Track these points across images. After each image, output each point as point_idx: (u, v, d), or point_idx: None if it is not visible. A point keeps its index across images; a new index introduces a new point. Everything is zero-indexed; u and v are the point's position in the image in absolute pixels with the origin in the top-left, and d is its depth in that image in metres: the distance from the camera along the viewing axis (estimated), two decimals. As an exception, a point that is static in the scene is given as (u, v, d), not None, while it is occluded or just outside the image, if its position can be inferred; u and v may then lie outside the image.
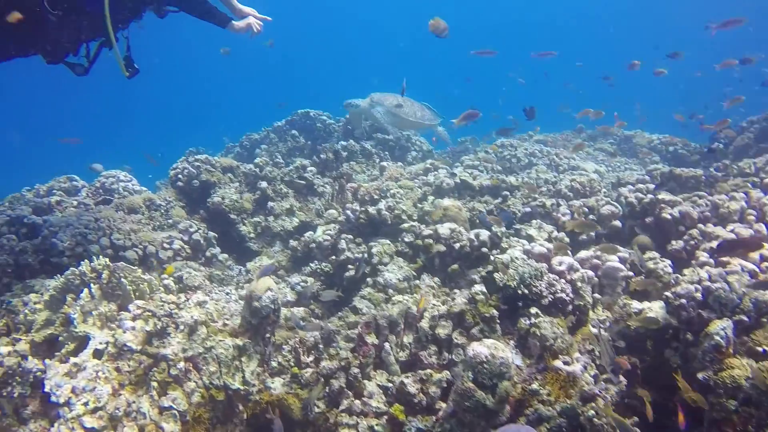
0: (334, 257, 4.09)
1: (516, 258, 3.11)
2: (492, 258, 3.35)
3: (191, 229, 4.46)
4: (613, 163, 7.36)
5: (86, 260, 3.17)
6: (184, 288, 3.48)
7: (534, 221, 3.81)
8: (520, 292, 2.91)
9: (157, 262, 4.13)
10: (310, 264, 4.23)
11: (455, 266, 3.67)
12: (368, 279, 3.72)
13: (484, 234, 3.66)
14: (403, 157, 7.46)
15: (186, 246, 4.34)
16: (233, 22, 4.28)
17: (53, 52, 3.80)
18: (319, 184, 5.14)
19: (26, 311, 3.22)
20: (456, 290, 3.50)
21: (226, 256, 4.54)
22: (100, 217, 4.33)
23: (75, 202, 5.34)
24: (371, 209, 4.15)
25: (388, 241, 3.93)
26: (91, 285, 3.07)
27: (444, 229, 3.86)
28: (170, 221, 4.58)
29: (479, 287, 2.97)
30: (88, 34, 3.84)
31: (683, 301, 2.88)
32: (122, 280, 3.11)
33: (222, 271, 4.30)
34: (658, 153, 8.14)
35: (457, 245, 3.71)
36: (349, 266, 3.93)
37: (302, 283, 4.02)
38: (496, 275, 3.00)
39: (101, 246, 3.96)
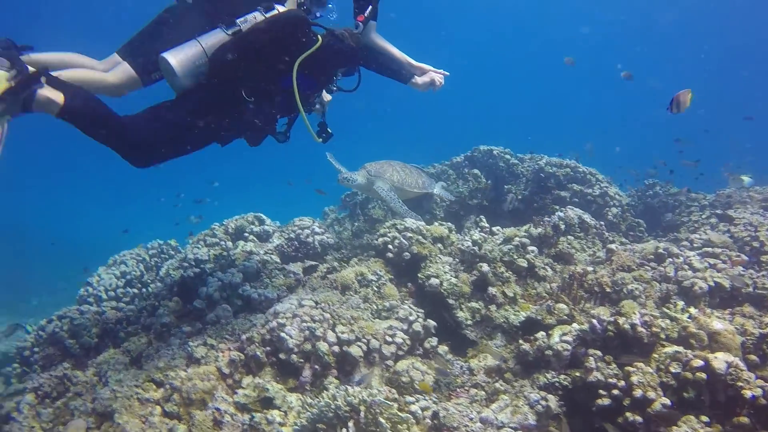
0: (578, 375, 3.64)
1: None
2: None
3: (411, 317, 4.19)
4: None
5: (343, 393, 2.95)
6: (439, 426, 3.16)
7: None
8: None
9: (379, 357, 3.90)
10: (546, 374, 3.80)
11: (744, 419, 3.09)
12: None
13: (790, 389, 3.04)
14: (601, 214, 6.85)
15: (406, 337, 4.07)
16: (416, 78, 4.57)
17: (254, 136, 4.21)
18: (539, 266, 4.69)
19: (271, 432, 3.06)
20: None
21: (446, 348, 4.22)
22: (319, 301, 4.16)
23: (280, 266, 5.29)
24: (623, 322, 3.65)
25: (650, 370, 3.41)
26: (350, 424, 2.84)
27: (719, 362, 3.29)
28: (387, 304, 4.34)
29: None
30: (283, 111, 4.17)
31: None
32: (380, 419, 2.85)
33: (444, 367, 3.98)
34: None
35: (747, 393, 3.14)
36: (601, 391, 3.46)
37: (542, 402, 3.61)
38: None
39: (329, 342, 3.76)
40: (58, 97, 3.13)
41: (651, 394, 3.27)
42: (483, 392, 3.84)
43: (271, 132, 4.27)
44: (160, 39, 3.86)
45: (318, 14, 4.37)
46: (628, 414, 3.28)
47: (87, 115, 3.31)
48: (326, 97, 4.56)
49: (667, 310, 3.96)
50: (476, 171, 7.84)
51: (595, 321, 3.78)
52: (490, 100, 47.50)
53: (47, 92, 3.09)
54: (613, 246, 4.91)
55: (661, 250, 4.75)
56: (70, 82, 3.34)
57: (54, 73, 3.25)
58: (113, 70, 3.82)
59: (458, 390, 3.86)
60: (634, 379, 3.35)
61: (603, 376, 3.48)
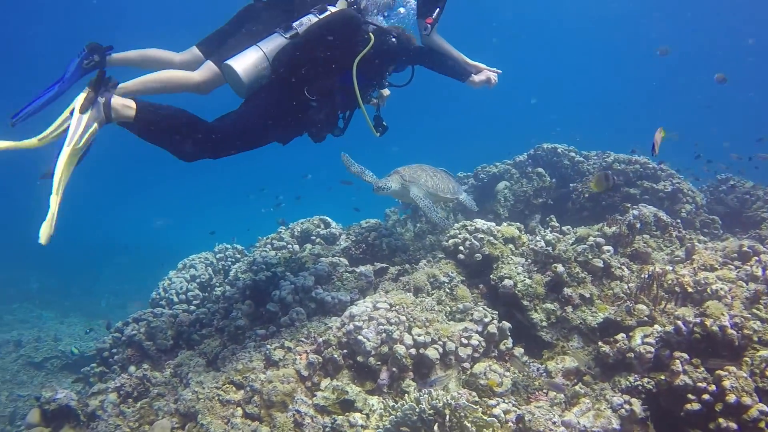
0: (663, 378, 3.51)
1: None
2: None
3: (486, 319, 4.13)
4: None
5: (427, 396, 2.92)
6: (524, 430, 3.10)
7: None
8: None
9: (455, 359, 3.85)
10: (627, 377, 3.68)
11: None
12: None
13: None
14: (673, 210, 6.61)
15: (482, 339, 4.01)
16: (473, 76, 4.73)
17: (317, 133, 4.30)
18: (615, 266, 4.55)
19: (356, 437, 3.06)
20: None
21: (521, 350, 4.15)
22: (394, 303, 4.14)
23: (351, 269, 5.30)
24: (711, 324, 3.49)
25: (743, 374, 3.25)
26: (435, 427, 2.81)
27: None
28: (460, 306, 4.29)
29: None
30: (343, 107, 4.32)
31: None
32: (465, 423, 2.81)
33: (521, 372, 3.90)
34: None
35: None
36: (689, 395, 3.31)
37: (626, 405, 3.50)
38: None
39: (405, 345, 3.74)
40: (130, 103, 3.25)
41: (747, 400, 3.12)
42: (562, 395, 3.75)
43: (332, 129, 4.41)
44: (240, 37, 4.04)
45: (383, 14, 4.41)
46: (721, 420, 3.13)
47: (164, 117, 3.44)
48: (385, 92, 4.74)
49: (758, 312, 3.78)
50: (540, 170, 7.70)
51: (680, 322, 3.63)
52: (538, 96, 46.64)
53: (120, 100, 3.21)
54: (693, 244, 4.72)
55: (746, 248, 4.53)
56: (156, 85, 3.61)
57: (140, 78, 3.42)
58: (199, 69, 3.97)
59: (537, 393, 3.77)
60: (727, 383, 3.20)
61: (691, 380, 3.34)
